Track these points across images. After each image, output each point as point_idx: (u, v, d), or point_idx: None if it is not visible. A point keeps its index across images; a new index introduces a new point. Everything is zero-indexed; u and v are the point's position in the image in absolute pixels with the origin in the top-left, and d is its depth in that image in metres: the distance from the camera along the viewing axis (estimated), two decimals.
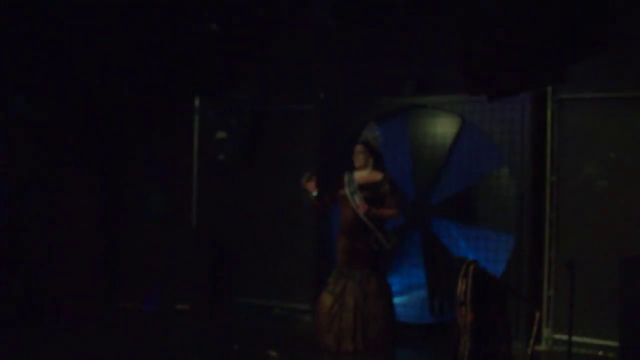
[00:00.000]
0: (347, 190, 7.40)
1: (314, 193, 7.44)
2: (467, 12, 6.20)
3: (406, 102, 8.69)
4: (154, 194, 9.84)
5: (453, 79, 7.13)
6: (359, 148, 7.60)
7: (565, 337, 7.23)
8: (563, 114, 7.83)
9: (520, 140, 7.96)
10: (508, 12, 5.78)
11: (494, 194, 8.24)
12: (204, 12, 8.80)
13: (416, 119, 8.75)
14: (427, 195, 8.64)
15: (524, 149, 7.94)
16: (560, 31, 5.59)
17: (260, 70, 9.37)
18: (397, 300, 7.92)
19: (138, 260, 9.74)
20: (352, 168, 7.64)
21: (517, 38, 5.76)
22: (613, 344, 7.18)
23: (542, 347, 7.71)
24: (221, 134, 9.22)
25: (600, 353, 7.48)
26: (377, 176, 7.51)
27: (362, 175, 7.52)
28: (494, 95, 6.40)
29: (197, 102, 9.63)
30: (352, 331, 7.26)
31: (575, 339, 7.07)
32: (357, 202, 7.31)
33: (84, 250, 9.50)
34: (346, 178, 7.50)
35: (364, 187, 7.42)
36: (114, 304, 9.66)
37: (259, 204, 9.43)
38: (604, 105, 7.65)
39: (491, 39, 5.92)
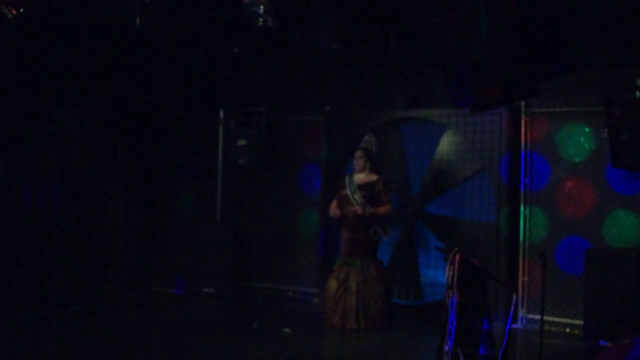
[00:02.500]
0: (348, 191, 7.45)
1: (337, 213, 7.56)
2: (453, 38, 6.14)
3: (400, 115, 8.64)
4: (184, 193, 9.80)
5: (441, 95, 7.00)
6: (358, 153, 7.65)
7: (537, 316, 7.27)
8: (535, 124, 7.81)
9: (498, 147, 7.94)
10: (488, 38, 5.66)
11: (476, 193, 8.19)
12: (227, 38, 8.70)
13: (408, 129, 8.70)
14: (413, 190, 8.58)
15: (501, 154, 7.90)
16: (533, 55, 5.54)
17: (275, 87, 9.33)
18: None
19: (171, 251, 9.72)
20: (352, 170, 7.71)
21: (495, 60, 5.68)
22: (578, 322, 7.23)
23: (517, 325, 7.65)
24: (241, 142, 9.16)
25: (568, 330, 7.45)
26: (373, 177, 7.55)
27: (360, 177, 7.56)
28: (476, 108, 6.42)
29: (221, 114, 9.57)
30: (355, 311, 7.27)
31: (546, 318, 7.03)
32: (357, 201, 7.35)
33: (125, 242, 9.45)
34: (347, 180, 7.55)
35: (362, 187, 7.47)
36: (150, 288, 9.60)
37: (274, 202, 9.32)
38: (569, 117, 7.65)
39: (473, 60, 5.84)
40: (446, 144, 8.42)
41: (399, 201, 8.52)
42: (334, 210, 7.58)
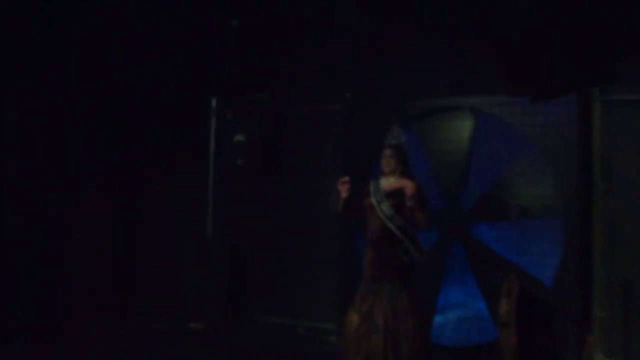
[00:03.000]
0: (373, 199, 6.80)
1: (344, 195, 6.81)
2: (507, 7, 6.17)
3: (440, 103, 8.34)
4: (167, 202, 9.59)
5: (492, 79, 7.02)
6: (388, 152, 6.99)
7: None
8: (612, 116, 7.41)
9: (565, 145, 7.56)
10: (551, 9, 5.77)
11: (538, 203, 7.85)
12: (223, 8, 8.52)
13: (451, 121, 8.42)
14: (464, 202, 8.33)
15: (569, 155, 7.54)
16: (611, 28, 5.59)
17: (283, 69, 8.97)
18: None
19: (149, 276, 9.53)
20: (379, 174, 7.10)
21: (561, 36, 5.70)
22: None
23: None
24: (239, 137, 8.78)
25: None
26: (406, 183, 6.87)
27: (389, 182, 6.94)
28: (537, 96, 6.40)
29: (213, 103, 9.15)
30: (382, 353, 6.63)
31: None
32: (385, 212, 6.77)
33: (92, 264, 9.22)
34: (371, 186, 6.93)
35: (391, 194, 6.82)
36: (124, 322, 9.40)
37: (281, 213, 9.12)
38: None
39: (534, 36, 5.89)
40: (499, 142, 8.10)
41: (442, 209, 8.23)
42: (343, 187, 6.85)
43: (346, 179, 6.85)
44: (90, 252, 9.16)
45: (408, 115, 8.44)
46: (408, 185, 6.56)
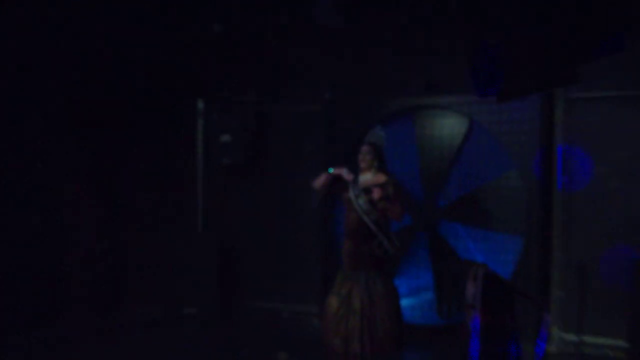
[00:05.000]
0: (350, 194, 7.37)
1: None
2: (477, 12, 6.30)
3: (413, 103, 8.94)
4: (158, 199, 10.06)
5: (461, 79, 7.29)
6: (365, 149, 7.53)
7: (574, 337, 7.95)
8: (573, 113, 8.12)
9: (529, 141, 8.30)
10: (519, 13, 5.81)
11: (503, 195, 8.60)
12: (207, 13, 8.95)
13: (423, 119, 9.06)
14: (435, 197, 9.01)
15: (533, 149, 8.28)
16: (574, 32, 5.56)
17: (266, 71, 9.44)
18: (404, 302, 7.92)
19: (145, 266, 9.97)
20: (357, 170, 7.66)
21: (528, 39, 5.79)
22: (624, 344, 7.55)
23: (551, 348, 8.05)
24: (225, 137, 9.41)
25: (611, 353, 7.79)
26: (381, 178, 7.42)
27: (366, 177, 7.50)
28: (504, 96, 6.57)
29: (200, 105, 9.78)
30: (359, 333, 7.27)
31: (585, 338, 7.90)
32: (362, 206, 7.34)
33: (87, 256, 9.54)
34: (350, 181, 7.51)
35: (368, 190, 7.46)
36: (118, 311, 9.74)
37: (266, 207, 9.71)
38: (615, 104, 7.87)
39: (501, 39, 5.97)
40: (468, 138, 8.83)
41: (412, 206, 8.88)
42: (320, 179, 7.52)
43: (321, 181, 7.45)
44: (84, 248, 9.50)
45: (379, 117, 8.93)
46: (375, 190, 7.11)
